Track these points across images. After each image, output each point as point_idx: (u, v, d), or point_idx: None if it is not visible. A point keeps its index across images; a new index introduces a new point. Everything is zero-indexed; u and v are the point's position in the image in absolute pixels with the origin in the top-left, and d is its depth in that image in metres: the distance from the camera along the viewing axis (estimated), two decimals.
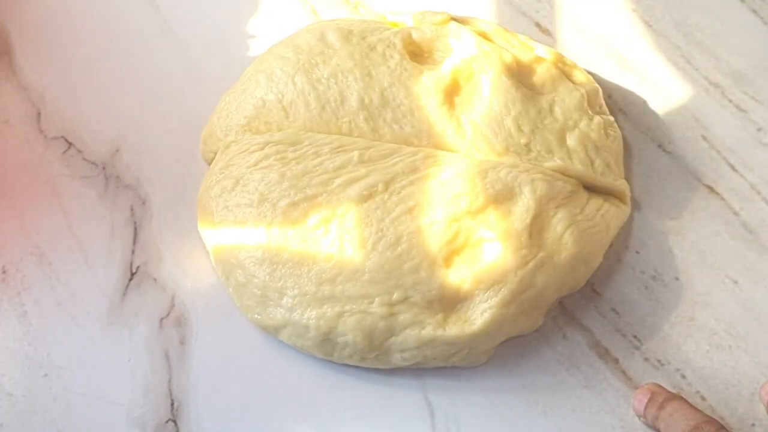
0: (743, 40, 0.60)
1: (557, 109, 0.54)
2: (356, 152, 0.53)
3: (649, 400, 0.48)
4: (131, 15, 0.65)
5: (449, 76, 0.54)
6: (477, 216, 0.51)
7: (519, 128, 0.53)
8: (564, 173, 0.53)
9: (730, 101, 0.58)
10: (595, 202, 0.53)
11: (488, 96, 0.54)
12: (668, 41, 0.61)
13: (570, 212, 0.51)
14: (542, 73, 0.55)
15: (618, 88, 0.59)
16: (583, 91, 0.55)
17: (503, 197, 0.51)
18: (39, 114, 0.61)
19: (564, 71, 0.56)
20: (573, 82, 0.56)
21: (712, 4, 0.62)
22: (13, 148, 0.60)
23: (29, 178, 0.59)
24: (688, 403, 0.47)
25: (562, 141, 0.53)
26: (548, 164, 0.52)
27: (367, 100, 0.54)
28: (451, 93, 0.54)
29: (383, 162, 0.53)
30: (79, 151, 0.60)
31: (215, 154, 0.57)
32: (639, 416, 0.49)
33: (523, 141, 0.53)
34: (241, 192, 0.53)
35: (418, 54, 0.56)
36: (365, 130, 0.54)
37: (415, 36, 0.57)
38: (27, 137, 0.60)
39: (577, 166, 0.53)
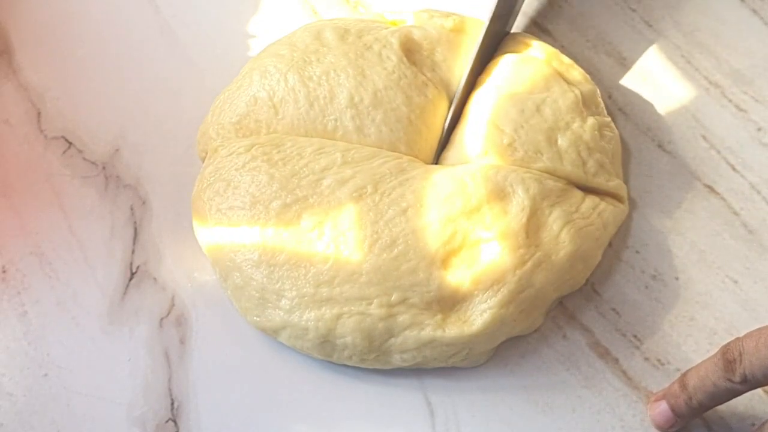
0: (743, 40, 0.60)
1: (547, 109, 0.53)
2: (338, 154, 0.53)
3: (666, 397, 0.48)
4: (131, 15, 0.65)
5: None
6: (472, 216, 0.50)
7: (498, 128, 0.53)
8: (553, 174, 0.52)
9: (730, 101, 0.58)
10: (591, 201, 0.53)
11: None
12: (668, 41, 0.61)
13: (565, 211, 0.51)
14: (533, 73, 0.55)
15: (618, 88, 0.59)
16: (577, 91, 0.55)
17: (497, 197, 0.51)
18: (39, 114, 0.61)
19: (560, 70, 0.56)
20: (569, 81, 0.56)
21: (712, 4, 0.62)
22: (13, 148, 0.60)
23: (29, 178, 0.59)
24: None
25: (551, 141, 0.53)
26: (536, 165, 0.52)
27: (357, 98, 0.54)
28: None
29: (367, 163, 0.52)
30: (79, 151, 0.60)
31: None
32: (668, 425, 0.48)
33: (505, 141, 0.52)
34: (233, 194, 0.53)
35: (416, 52, 0.56)
36: (350, 128, 0.54)
37: (417, 35, 0.57)
38: (27, 137, 0.60)
39: (567, 167, 0.52)
